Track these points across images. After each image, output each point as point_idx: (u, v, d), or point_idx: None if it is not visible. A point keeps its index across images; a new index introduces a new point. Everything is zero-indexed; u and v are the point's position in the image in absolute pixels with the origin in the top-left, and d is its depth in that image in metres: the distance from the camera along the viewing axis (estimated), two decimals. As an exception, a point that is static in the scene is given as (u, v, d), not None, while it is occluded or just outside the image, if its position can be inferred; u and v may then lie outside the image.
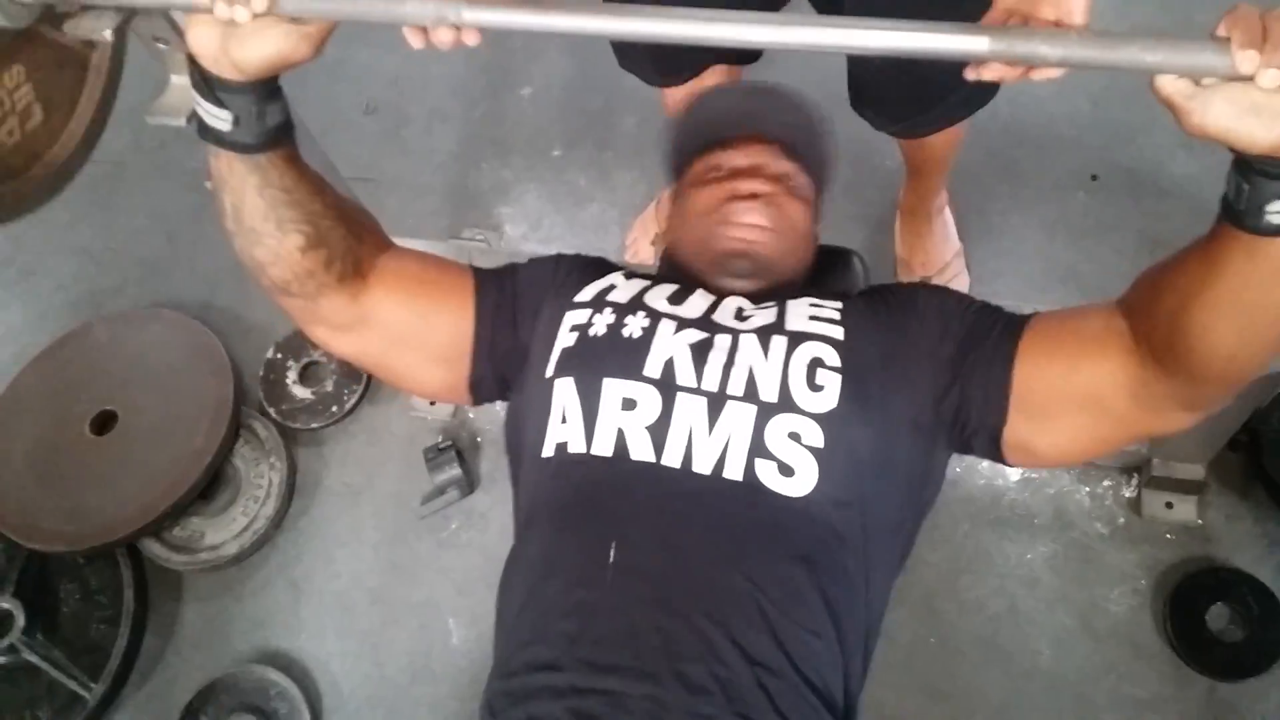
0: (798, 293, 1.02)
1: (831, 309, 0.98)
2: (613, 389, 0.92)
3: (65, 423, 1.75)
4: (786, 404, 0.90)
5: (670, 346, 0.94)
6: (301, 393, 1.81)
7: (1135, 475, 1.59)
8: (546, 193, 1.97)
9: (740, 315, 0.99)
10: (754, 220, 1.02)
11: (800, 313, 0.98)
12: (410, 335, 1.02)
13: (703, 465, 0.89)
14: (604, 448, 0.91)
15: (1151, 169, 1.84)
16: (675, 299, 1.00)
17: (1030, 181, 1.86)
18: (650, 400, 0.91)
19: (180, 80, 1.12)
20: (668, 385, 0.92)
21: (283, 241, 0.91)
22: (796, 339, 0.94)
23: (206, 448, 1.68)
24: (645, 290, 1.01)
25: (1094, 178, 1.84)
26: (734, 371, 0.92)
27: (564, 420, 0.94)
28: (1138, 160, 1.85)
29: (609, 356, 0.95)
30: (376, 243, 1.02)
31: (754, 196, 1.02)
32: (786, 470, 0.88)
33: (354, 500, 1.73)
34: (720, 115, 1.10)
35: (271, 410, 1.80)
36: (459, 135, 2.08)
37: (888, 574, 0.97)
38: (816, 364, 0.92)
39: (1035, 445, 0.93)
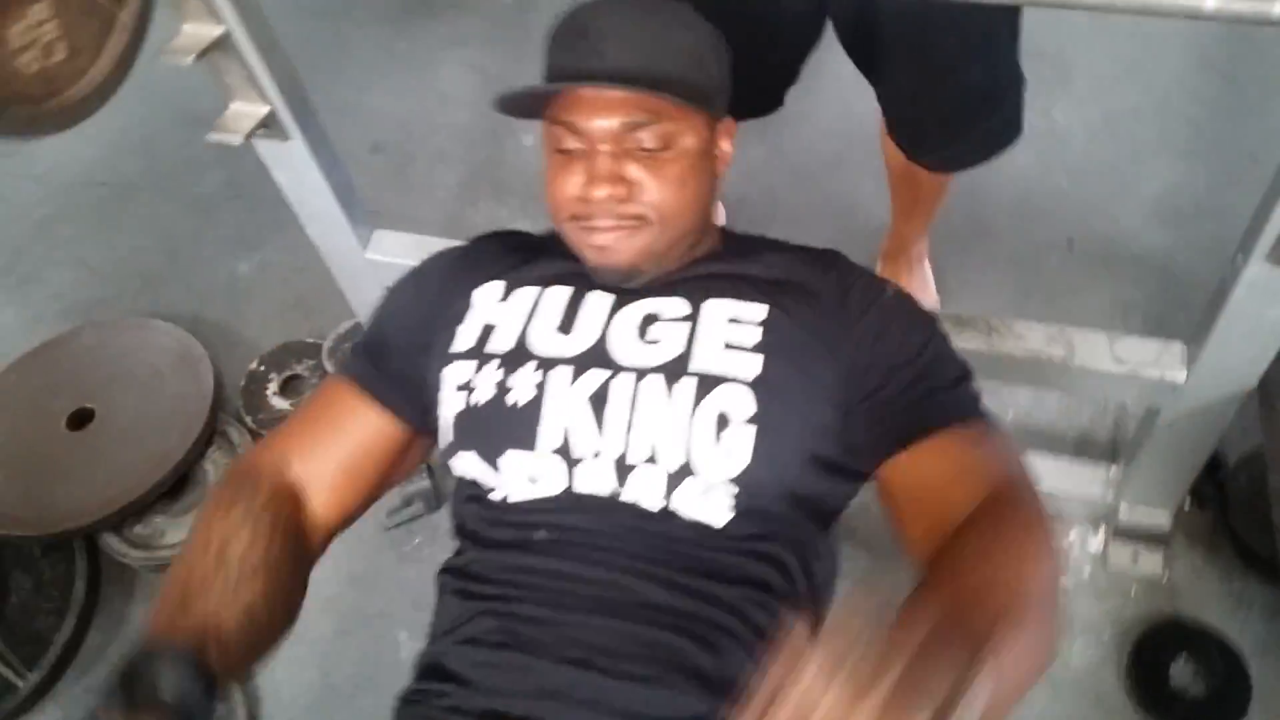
0: (716, 280, 0.93)
1: (752, 325, 0.90)
2: (514, 464, 0.89)
3: (43, 418, 1.76)
4: (693, 469, 0.85)
5: (565, 409, 0.88)
6: (280, 404, 1.83)
7: (1101, 527, 1.58)
8: (539, 229, 2.02)
9: (643, 336, 0.91)
10: (606, 242, 0.91)
11: (715, 333, 0.89)
12: (373, 480, 1.00)
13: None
14: (511, 532, 0.90)
15: (1126, 237, 1.88)
16: (566, 321, 0.93)
17: (1007, 243, 1.91)
18: (555, 474, 0.88)
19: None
20: (568, 457, 0.87)
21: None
22: (706, 385, 0.86)
23: (177, 449, 1.69)
24: (530, 320, 0.94)
25: (1070, 242, 1.89)
26: (635, 434, 0.86)
27: (474, 492, 0.93)
28: (1113, 229, 1.90)
29: (502, 429, 0.90)
30: (300, 512, 0.95)
31: (605, 198, 0.89)
32: (700, 525, 0.87)
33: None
34: (568, 49, 0.91)
35: (249, 418, 1.82)
36: (460, 176, 2.15)
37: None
38: (724, 421, 0.85)
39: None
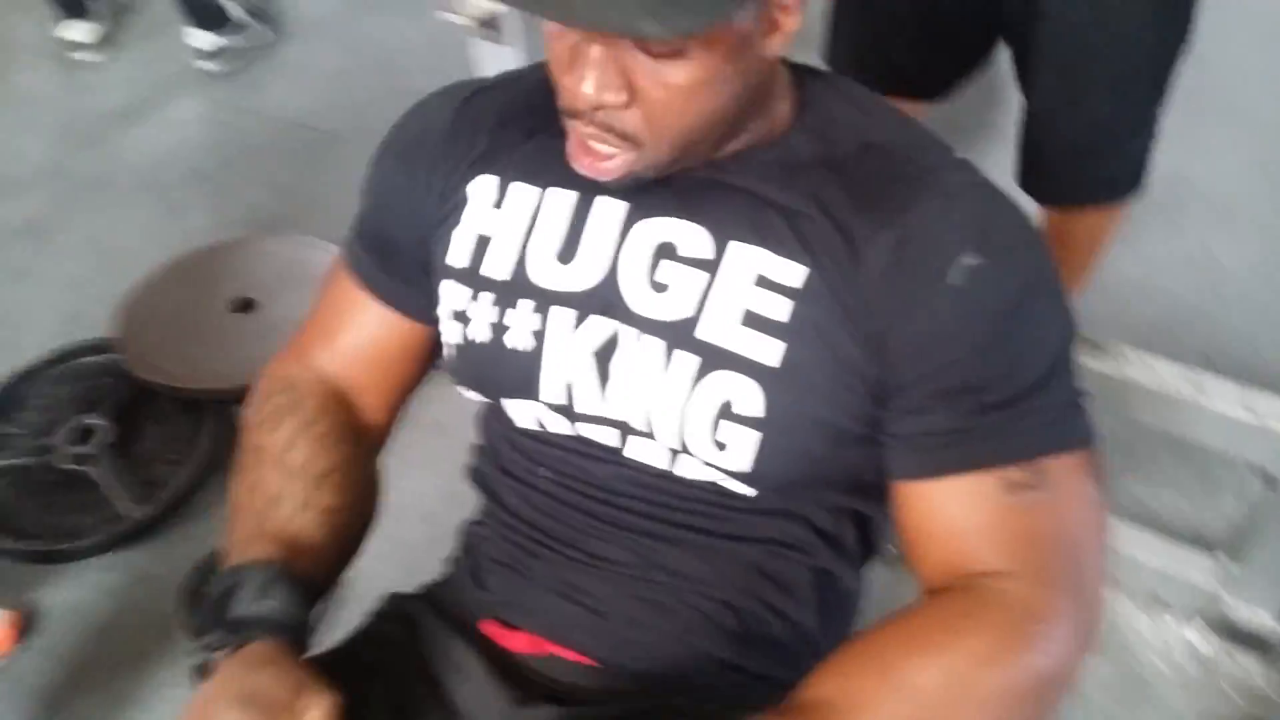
0: (754, 208, 0.74)
1: (782, 295, 0.72)
2: (517, 408, 0.83)
3: (210, 298, 1.92)
4: (690, 452, 0.76)
5: (568, 362, 0.78)
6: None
7: (1201, 618, 1.52)
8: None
9: (653, 273, 0.76)
10: (586, 155, 0.73)
11: (735, 297, 0.74)
12: (411, 369, 0.92)
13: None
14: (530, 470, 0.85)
15: (1265, 364, 1.86)
16: (569, 244, 0.78)
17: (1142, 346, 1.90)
18: (560, 422, 0.81)
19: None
20: (570, 413, 0.79)
21: None
22: (709, 363, 0.73)
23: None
24: (528, 237, 0.80)
25: (1206, 358, 1.86)
26: (633, 402, 0.76)
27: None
28: (1253, 356, 1.87)
29: (502, 377, 0.81)
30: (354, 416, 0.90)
31: (589, 106, 0.69)
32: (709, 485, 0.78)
33: (440, 433, 1.80)
34: None
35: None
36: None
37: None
38: (725, 411, 0.73)
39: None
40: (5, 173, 2.30)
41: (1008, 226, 0.74)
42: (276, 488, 0.81)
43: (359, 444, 0.88)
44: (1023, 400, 0.71)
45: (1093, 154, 1.37)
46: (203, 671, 0.72)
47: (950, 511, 0.72)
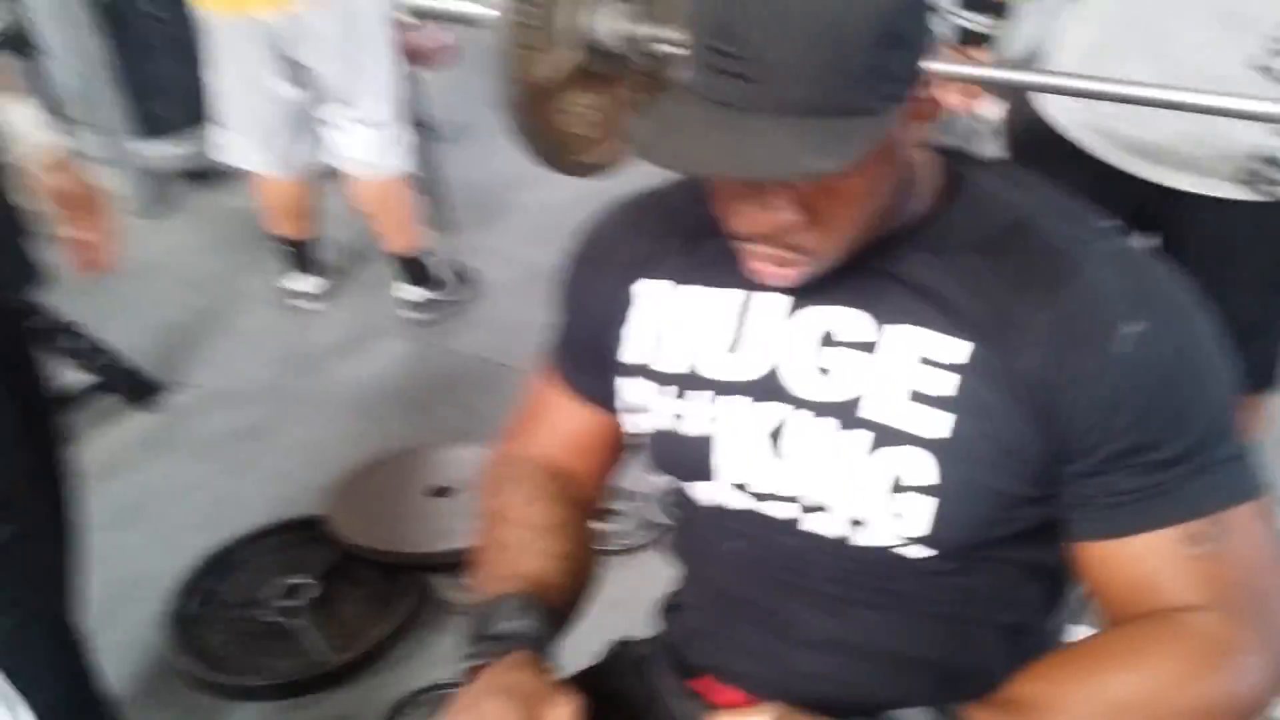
0: (909, 290, 0.79)
1: (947, 370, 0.76)
2: (700, 492, 0.90)
3: (408, 485, 2.14)
4: (866, 524, 0.81)
5: (743, 445, 0.84)
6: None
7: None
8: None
9: (818, 359, 0.82)
10: (759, 268, 0.79)
11: (899, 376, 0.78)
12: (614, 446, 1.01)
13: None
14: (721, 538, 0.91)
15: None
16: (736, 336, 0.85)
17: None
18: (738, 500, 0.87)
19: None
20: (747, 491, 0.86)
21: None
22: (881, 439, 0.78)
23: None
24: (698, 331, 0.87)
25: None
26: (809, 479, 0.82)
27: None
28: None
29: (683, 462, 0.89)
30: (580, 492, 1.00)
31: (756, 234, 0.77)
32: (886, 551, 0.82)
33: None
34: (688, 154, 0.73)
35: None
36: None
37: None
38: (899, 485, 0.78)
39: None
40: (232, 388, 2.64)
41: (1163, 288, 0.78)
42: (515, 539, 0.94)
43: (576, 506, 0.99)
44: (1196, 455, 0.75)
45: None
46: (468, 677, 0.83)
47: (1135, 568, 0.77)
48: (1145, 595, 0.77)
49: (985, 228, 0.80)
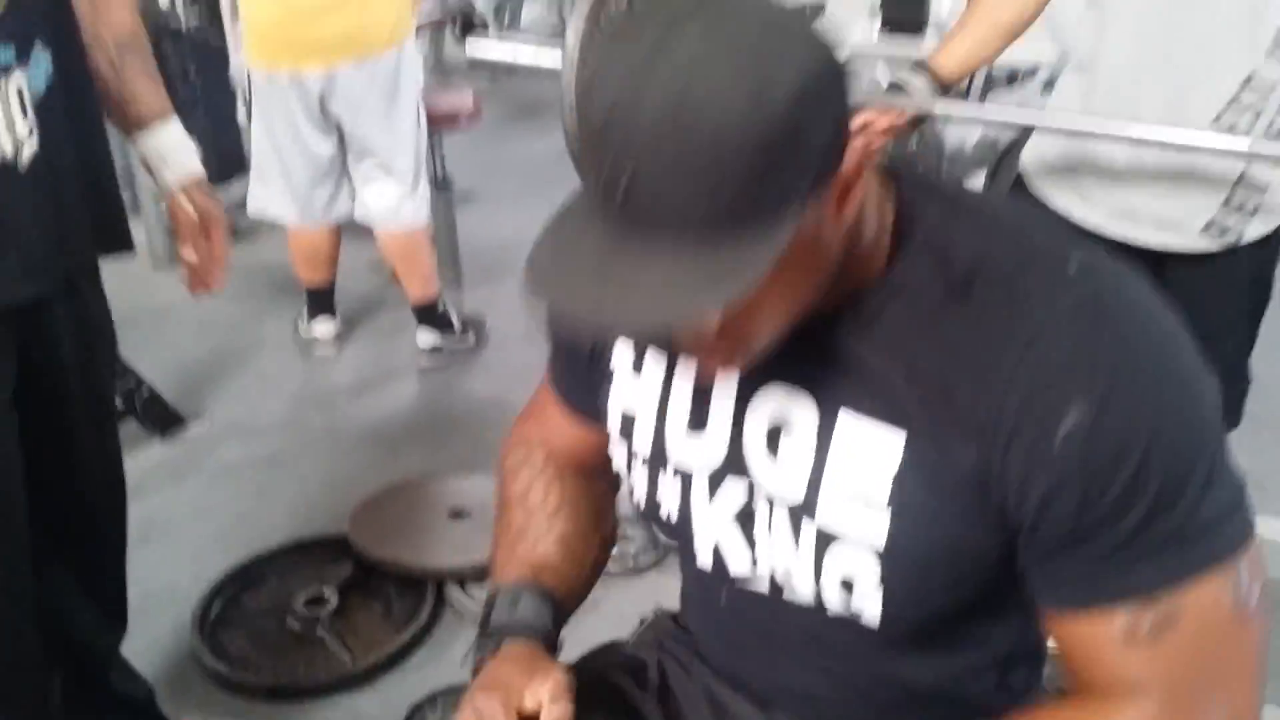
0: (854, 370, 0.75)
1: (882, 466, 0.74)
2: (684, 553, 0.92)
3: (428, 507, 2.25)
4: (827, 608, 0.82)
5: (714, 529, 0.86)
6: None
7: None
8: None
9: (771, 447, 0.81)
10: (713, 372, 0.82)
11: (843, 473, 0.77)
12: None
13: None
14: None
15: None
16: (696, 415, 0.84)
17: None
18: (717, 577, 0.89)
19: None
20: (724, 573, 0.88)
21: None
22: (824, 539, 0.78)
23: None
24: (661, 414, 0.87)
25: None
26: (777, 566, 0.84)
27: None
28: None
29: (664, 530, 0.93)
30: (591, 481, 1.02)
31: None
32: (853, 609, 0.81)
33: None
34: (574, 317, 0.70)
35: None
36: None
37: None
38: (848, 585, 0.78)
39: None
40: (253, 422, 2.75)
41: (1116, 358, 0.69)
42: (521, 523, 0.98)
43: (584, 477, 1.02)
44: (1144, 532, 0.69)
45: None
46: (474, 672, 0.89)
47: (1083, 640, 0.75)
48: (1093, 667, 0.75)
49: (932, 288, 0.74)
